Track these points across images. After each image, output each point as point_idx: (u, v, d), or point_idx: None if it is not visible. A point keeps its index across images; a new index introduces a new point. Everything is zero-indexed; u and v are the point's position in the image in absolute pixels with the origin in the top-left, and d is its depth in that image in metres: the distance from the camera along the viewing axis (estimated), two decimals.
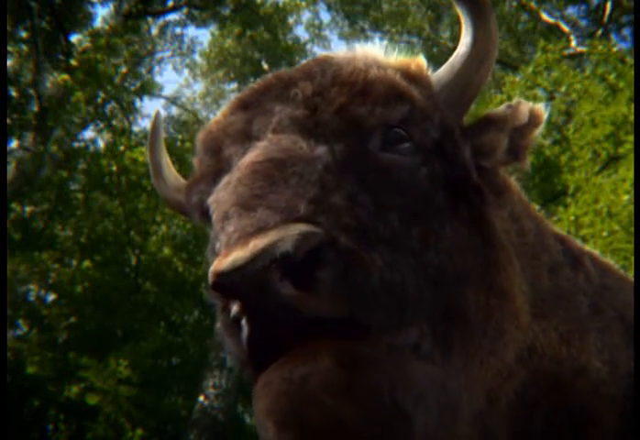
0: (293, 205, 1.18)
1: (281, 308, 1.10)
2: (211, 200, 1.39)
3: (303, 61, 1.66)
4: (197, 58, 21.67)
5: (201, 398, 10.34)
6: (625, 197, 7.59)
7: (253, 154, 1.34)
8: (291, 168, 1.27)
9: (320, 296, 1.11)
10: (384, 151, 1.39)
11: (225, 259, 1.10)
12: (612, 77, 9.97)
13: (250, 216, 1.18)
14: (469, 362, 1.35)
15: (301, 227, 1.11)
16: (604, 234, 7.27)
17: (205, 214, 1.48)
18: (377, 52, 1.62)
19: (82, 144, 13.88)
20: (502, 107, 1.63)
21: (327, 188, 1.24)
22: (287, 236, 1.09)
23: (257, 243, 1.08)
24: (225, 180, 1.36)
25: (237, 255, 1.09)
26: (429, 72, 1.60)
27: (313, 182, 1.24)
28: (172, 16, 19.44)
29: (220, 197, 1.32)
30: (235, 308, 1.15)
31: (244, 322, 1.15)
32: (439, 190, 1.42)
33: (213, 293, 1.19)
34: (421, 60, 1.61)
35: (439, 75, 1.57)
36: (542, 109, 1.62)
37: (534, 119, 1.60)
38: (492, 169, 1.64)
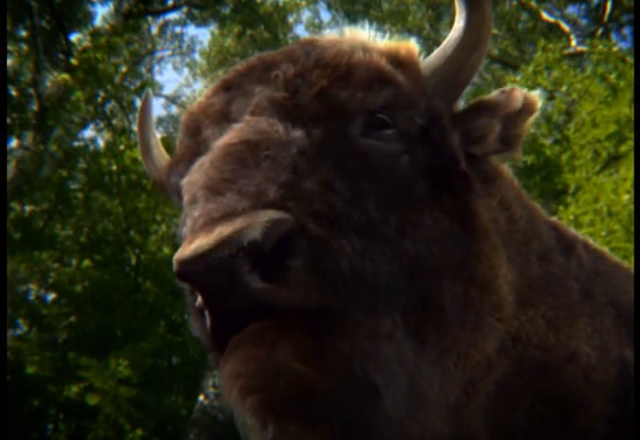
0: (263, 190, 1.15)
1: (248, 301, 1.06)
2: (184, 181, 1.34)
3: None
4: (197, 57, 21.70)
5: (201, 397, 10.33)
6: (626, 197, 7.58)
7: (228, 136, 1.31)
8: (264, 151, 1.23)
9: (290, 287, 1.07)
10: (365, 137, 1.36)
11: (188, 246, 1.05)
12: (612, 77, 9.95)
13: (218, 201, 1.13)
14: (445, 355, 1.33)
15: (270, 214, 1.07)
16: (603, 233, 7.27)
17: (181, 197, 1.45)
18: (365, 36, 1.58)
19: (81, 143, 13.86)
20: (495, 93, 1.59)
21: (300, 173, 1.21)
22: (255, 222, 1.04)
23: (222, 230, 1.04)
24: (199, 161, 1.32)
25: (201, 242, 1.04)
26: (419, 58, 1.56)
27: (285, 167, 1.21)
28: (172, 16, 19.45)
29: (192, 179, 1.28)
30: (199, 298, 1.12)
31: (205, 312, 1.13)
32: (420, 178, 1.39)
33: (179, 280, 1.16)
34: (412, 45, 1.58)
35: (430, 60, 1.54)
36: (536, 97, 1.59)
37: (528, 107, 1.56)
38: (483, 157, 1.61)
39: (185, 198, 1.28)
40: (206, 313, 1.12)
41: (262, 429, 1.12)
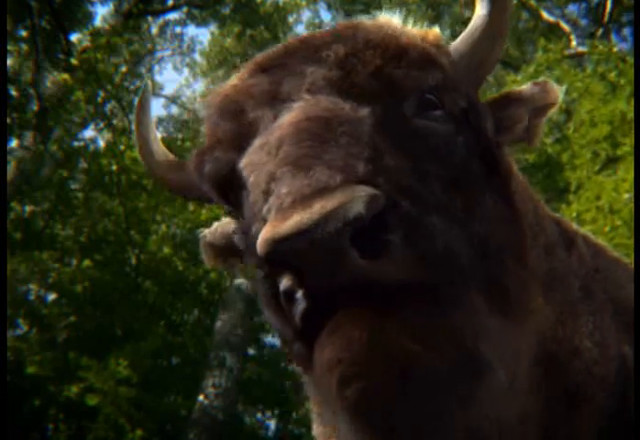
0: (352, 165, 1.09)
1: (352, 279, 0.99)
2: (243, 164, 1.28)
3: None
4: (197, 57, 21.69)
5: (201, 397, 10.33)
6: (626, 196, 7.59)
7: (292, 114, 1.25)
8: (338, 127, 1.19)
9: (392, 263, 1.01)
10: (419, 117, 1.34)
11: (284, 224, 0.97)
12: (612, 75, 9.96)
13: (308, 176, 1.07)
14: (513, 335, 1.31)
15: (365, 189, 1.01)
16: (606, 229, 7.28)
17: (221, 184, 1.39)
18: (398, 22, 1.59)
19: (82, 143, 13.86)
20: (527, 85, 1.61)
21: (379, 150, 1.17)
22: (356, 197, 0.98)
23: (324, 204, 0.97)
24: (257, 142, 1.27)
25: (302, 217, 0.96)
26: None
27: (364, 143, 1.16)
28: (172, 16, 19.46)
29: (257, 159, 1.22)
30: (286, 281, 1.05)
31: (300, 295, 1.04)
32: (475, 160, 1.38)
33: (259, 263, 1.10)
34: (436, 32, 1.59)
35: (456, 46, 1.55)
36: (559, 89, 1.61)
37: (553, 99, 1.59)
38: (501, 146, 1.62)
39: (252, 179, 1.21)
40: (299, 295, 1.04)
41: (364, 423, 1.03)
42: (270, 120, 1.30)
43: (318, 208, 0.97)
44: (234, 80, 1.50)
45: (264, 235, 0.99)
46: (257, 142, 1.27)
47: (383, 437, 1.03)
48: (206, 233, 1.79)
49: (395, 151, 1.20)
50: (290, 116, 1.24)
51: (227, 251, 1.77)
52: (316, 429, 1.69)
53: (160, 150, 1.75)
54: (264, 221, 1.07)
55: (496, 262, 1.25)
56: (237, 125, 1.38)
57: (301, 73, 1.35)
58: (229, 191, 1.39)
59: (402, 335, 0.99)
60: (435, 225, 1.11)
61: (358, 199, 0.98)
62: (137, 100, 1.75)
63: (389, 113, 1.29)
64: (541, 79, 1.61)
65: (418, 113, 1.34)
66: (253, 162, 1.23)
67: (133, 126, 1.78)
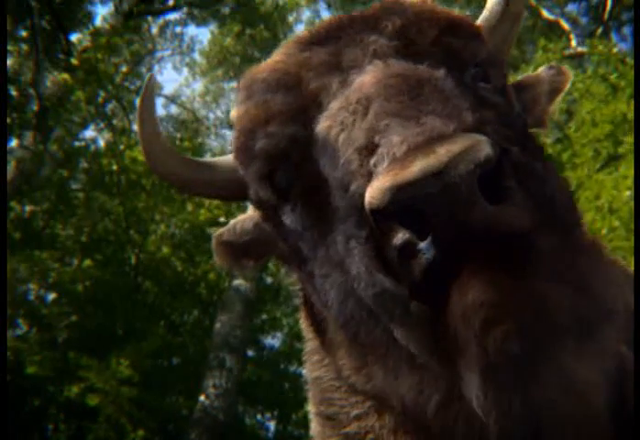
0: (458, 114, 1.05)
1: (482, 224, 0.94)
2: (323, 126, 1.22)
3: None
4: (197, 56, 21.69)
5: (202, 398, 10.33)
6: (627, 193, 7.60)
7: (370, 75, 1.20)
8: (425, 83, 1.15)
9: (517, 208, 0.98)
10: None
11: (407, 170, 0.92)
12: (613, 77, 9.97)
13: (419, 125, 1.02)
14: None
15: (479, 137, 0.97)
16: (604, 232, 7.28)
17: (275, 161, 1.32)
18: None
19: (82, 143, 13.86)
20: (542, 69, 1.65)
21: (472, 104, 1.15)
22: (481, 141, 0.95)
23: (449, 148, 0.93)
24: (335, 105, 1.21)
25: (429, 161, 0.92)
26: None
27: (457, 96, 1.14)
28: (172, 15, 19.45)
29: (342, 120, 1.17)
30: (402, 234, 0.99)
31: (425, 245, 0.97)
32: (528, 132, 1.38)
33: (358, 223, 1.05)
34: (461, 13, 1.60)
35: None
36: (571, 72, 1.65)
37: (567, 80, 1.64)
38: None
39: (341, 140, 1.16)
40: (423, 246, 0.98)
41: (508, 372, 0.97)
42: (338, 87, 1.26)
43: (444, 152, 0.93)
44: (276, 57, 1.44)
45: (382, 184, 0.94)
46: (334, 105, 1.22)
47: (528, 385, 0.98)
48: (222, 231, 1.70)
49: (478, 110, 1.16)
50: (369, 77, 1.20)
51: (243, 250, 1.68)
52: (314, 429, 1.68)
53: (164, 146, 1.69)
54: (368, 175, 1.03)
55: (569, 226, 1.20)
56: (295, 97, 1.32)
57: (361, 43, 1.32)
58: (282, 168, 1.33)
59: (542, 281, 0.96)
60: (541, 172, 1.09)
61: (483, 143, 0.95)
62: (138, 98, 1.69)
63: (455, 79, 1.26)
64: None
65: (474, 84, 1.33)
66: (338, 123, 1.18)
67: (136, 123, 1.73)
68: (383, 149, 1.03)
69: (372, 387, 1.35)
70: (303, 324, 1.68)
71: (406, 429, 1.36)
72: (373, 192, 0.96)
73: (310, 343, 1.66)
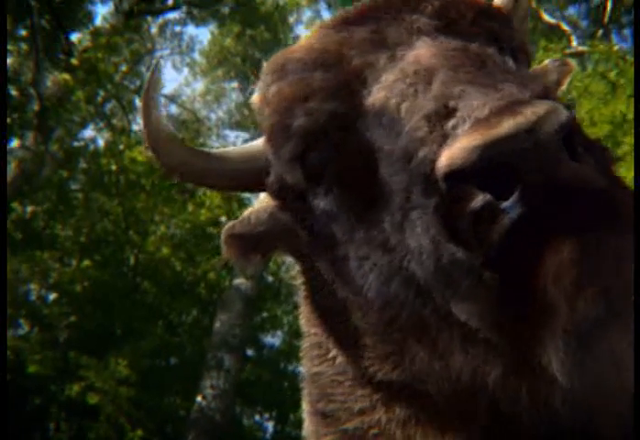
0: (526, 84, 1.06)
1: (567, 179, 0.96)
2: (378, 97, 1.20)
3: None
4: (197, 56, 21.69)
5: (199, 398, 10.32)
6: None
7: (424, 49, 1.20)
8: (486, 57, 1.16)
9: (589, 167, 0.99)
10: None
11: (497, 128, 0.93)
12: (612, 74, 9.97)
13: (498, 90, 1.03)
14: None
15: (555, 103, 0.99)
16: None
17: (313, 137, 1.29)
18: None
19: (82, 143, 13.88)
20: (547, 62, 1.67)
21: (526, 77, 1.17)
22: (558, 106, 0.96)
23: (534, 110, 0.94)
24: (389, 78, 1.19)
25: (518, 120, 0.93)
26: None
27: (516, 71, 1.16)
28: (172, 15, 19.44)
29: (401, 91, 1.16)
30: (480, 197, 0.97)
31: (510, 203, 0.96)
32: None
33: (429, 190, 1.03)
34: None
35: None
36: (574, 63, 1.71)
37: (572, 69, 1.69)
38: None
39: (404, 108, 1.14)
40: (508, 204, 0.96)
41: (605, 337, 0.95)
42: (386, 62, 1.24)
43: (531, 113, 0.94)
44: (309, 40, 1.43)
45: (468, 143, 0.94)
46: (388, 77, 1.20)
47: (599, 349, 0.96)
48: (234, 223, 1.64)
49: None
50: (424, 50, 1.20)
51: (254, 243, 1.62)
52: (307, 429, 1.66)
53: (171, 137, 1.62)
54: (442, 139, 1.02)
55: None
56: (336, 74, 1.29)
57: (403, 21, 1.31)
58: (318, 147, 1.29)
59: (627, 239, 0.95)
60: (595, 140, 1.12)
61: (561, 107, 0.97)
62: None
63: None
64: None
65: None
66: (396, 94, 1.16)
67: (141, 115, 1.64)
68: (463, 112, 1.02)
69: (401, 373, 1.32)
70: (304, 319, 1.64)
71: (418, 419, 1.33)
72: (455, 152, 0.96)
73: (310, 338, 1.61)
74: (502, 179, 0.96)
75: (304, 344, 1.64)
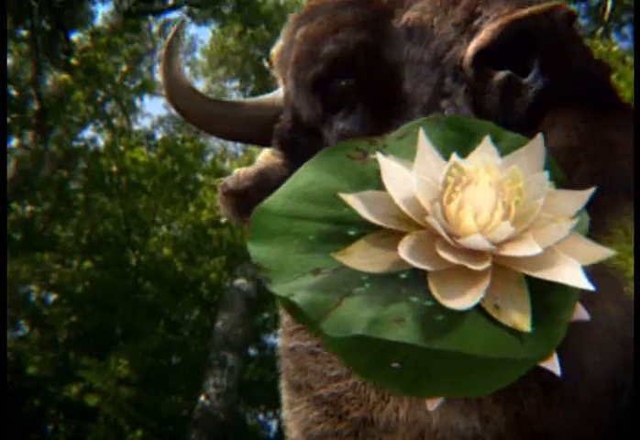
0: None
1: (578, 57, 1.10)
2: (410, 16, 1.30)
3: None
4: (198, 56, 21.67)
5: (202, 398, 10.32)
6: None
7: None
8: None
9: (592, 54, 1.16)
10: None
11: (518, 12, 1.07)
12: (612, 77, 9.97)
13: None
14: None
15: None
16: None
17: (340, 64, 1.36)
18: None
19: (81, 143, 13.87)
20: None
21: None
22: (565, 4, 1.10)
23: (549, 4, 1.09)
24: (419, 4, 1.30)
25: (536, 7, 1.08)
26: None
27: None
28: (173, 15, 19.42)
29: (433, 9, 1.27)
30: (503, 72, 1.08)
31: (532, 77, 1.07)
32: None
33: (471, 68, 1.11)
34: None
35: None
36: None
37: None
38: None
39: (436, 20, 1.25)
40: (530, 77, 1.08)
41: None
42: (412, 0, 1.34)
43: (545, 5, 1.08)
44: None
45: (495, 24, 1.07)
46: (418, 4, 1.30)
47: None
48: (227, 180, 1.70)
49: None
50: None
51: (244, 199, 1.68)
52: (284, 401, 1.64)
53: (189, 85, 1.70)
54: (471, 36, 1.14)
55: None
56: (369, 8, 1.38)
57: None
58: (343, 73, 1.36)
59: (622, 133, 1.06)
60: None
61: (567, 5, 1.10)
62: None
63: None
64: None
65: None
66: (427, 12, 1.27)
67: (160, 66, 1.73)
68: (488, 12, 1.16)
69: None
70: None
71: None
72: (481, 37, 1.08)
73: (288, 315, 1.65)
74: (522, 60, 1.07)
75: (282, 321, 1.65)
